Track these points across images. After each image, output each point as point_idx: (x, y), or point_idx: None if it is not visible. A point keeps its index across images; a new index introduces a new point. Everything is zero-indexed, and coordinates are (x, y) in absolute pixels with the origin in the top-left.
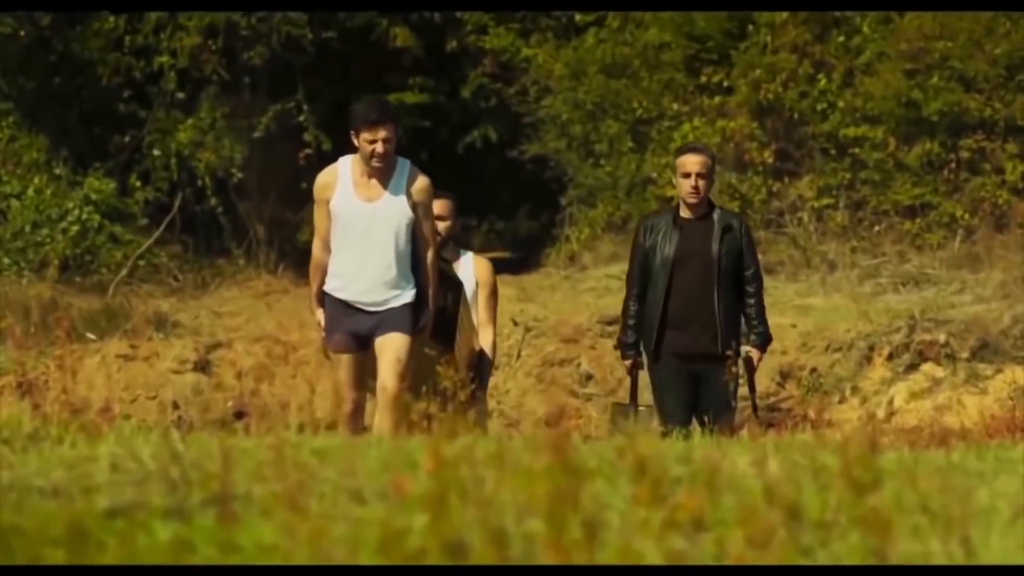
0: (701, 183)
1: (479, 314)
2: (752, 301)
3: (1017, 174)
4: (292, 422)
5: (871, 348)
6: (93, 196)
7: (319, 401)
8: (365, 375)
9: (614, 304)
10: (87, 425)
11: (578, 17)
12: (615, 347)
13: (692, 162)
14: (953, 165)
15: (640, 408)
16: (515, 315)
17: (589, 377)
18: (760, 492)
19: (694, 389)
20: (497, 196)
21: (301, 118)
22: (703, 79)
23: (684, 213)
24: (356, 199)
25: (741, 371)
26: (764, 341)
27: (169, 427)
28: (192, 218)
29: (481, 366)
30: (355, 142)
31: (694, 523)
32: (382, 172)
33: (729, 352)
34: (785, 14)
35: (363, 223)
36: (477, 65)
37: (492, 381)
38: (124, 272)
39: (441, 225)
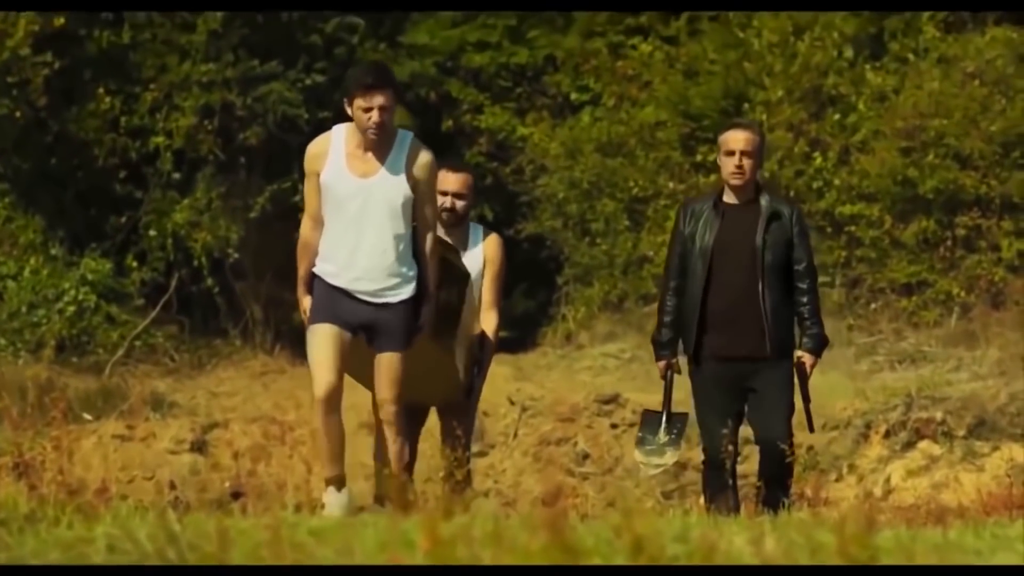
0: (747, 163)
1: (483, 295)
2: (804, 299)
3: (1013, 251)
4: (289, 502)
5: (868, 426)
6: (89, 276)
7: (316, 481)
8: (345, 358)
9: (611, 383)
10: (84, 506)
11: (573, 96)
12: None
13: (737, 139)
14: (949, 242)
15: (674, 415)
16: (511, 394)
17: (586, 456)
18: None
19: (740, 398)
20: None
21: (297, 198)
22: (699, 157)
23: (728, 198)
24: (349, 174)
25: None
26: (818, 344)
27: (166, 508)
28: (188, 298)
29: (482, 353)
30: (348, 111)
31: None
32: (379, 145)
33: (780, 354)
34: (780, 92)
35: (356, 201)
36: (473, 144)
37: (488, 461)
38: (120, 352)
39: (458, 204)
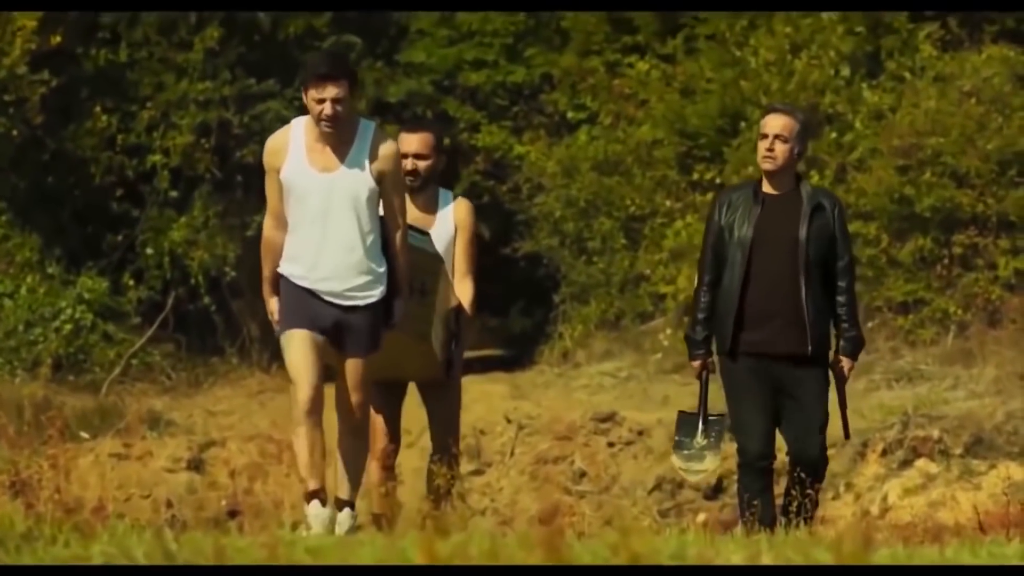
0: (779, 147)
1: (456, 264)
2: (843, 299)
3: (1010, 270)
4: (286, 521)
5: (865, 444)
6: (86, 295)
7: None
8: (322, 357)
9: (608, 401)
10: (81, 524)
11: (570, 114)
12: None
13: (770, 123)
14: (946, 261)
15: (711, 417)
16: (508, 412)
17: (583, 474)
18: None
19: (775, 397)
20: (490, 293)
21: None
22: (696, 176)
23: (766, 187)
24: (310, 169)
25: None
26: (856, 347)
27: (162, 526)
28: (185, 317)
29: (458, 326)
30: (304, 101)
31: None
32: (341, 137)
33: (819, 354)
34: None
35: (319, 197)
36: (470, 163)
37: (484, 479)
38: (117, 371)
39: (421, 164)
